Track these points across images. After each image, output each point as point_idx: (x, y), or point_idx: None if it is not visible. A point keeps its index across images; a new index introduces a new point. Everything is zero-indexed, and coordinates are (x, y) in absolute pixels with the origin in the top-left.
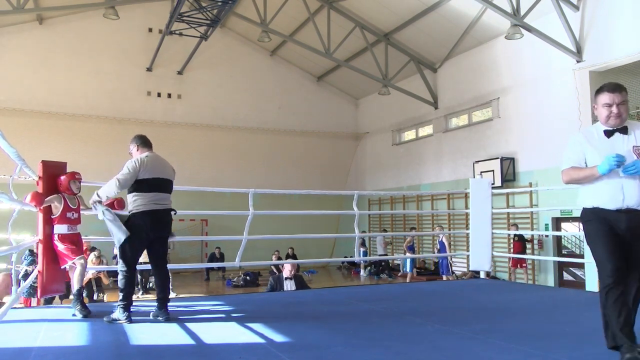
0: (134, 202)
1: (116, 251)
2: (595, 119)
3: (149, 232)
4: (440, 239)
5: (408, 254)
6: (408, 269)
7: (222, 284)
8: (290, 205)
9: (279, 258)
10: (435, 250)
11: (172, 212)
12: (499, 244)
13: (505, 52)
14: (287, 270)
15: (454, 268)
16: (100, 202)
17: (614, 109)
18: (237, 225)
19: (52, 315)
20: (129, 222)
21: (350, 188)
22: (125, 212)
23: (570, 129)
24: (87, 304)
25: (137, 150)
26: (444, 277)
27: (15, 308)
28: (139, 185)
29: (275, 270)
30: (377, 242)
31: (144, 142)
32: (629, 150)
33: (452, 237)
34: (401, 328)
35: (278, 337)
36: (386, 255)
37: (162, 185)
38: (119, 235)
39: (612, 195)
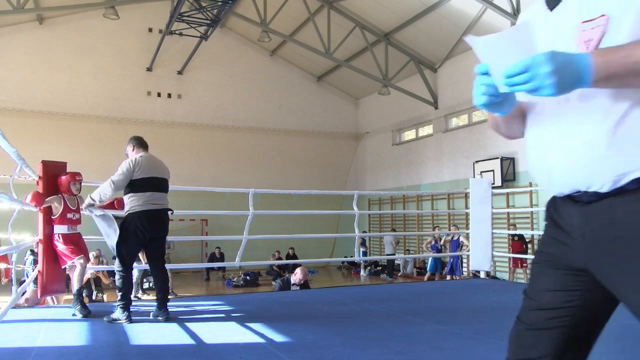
0: (130, 203)
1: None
2: None
3: (145, 232)
4: (456, 238)
5: (431, 254)
6: (428, 269)
7: (222, 284)
8: (290, 205)
9: (279, 258)
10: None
11: (169, 212)
12: (499, 244)
13: None
14: (297, 277)
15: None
16: (93, 205)
17: None
18: (237, 225)
19: (52, 315)
20: (126, 222)
21: (350, 188)
22: (122, 212)
23: None
24: (87, 304)
25: (133, 150)
26: (448, 277)
27: (17, 308)
28: (134, 185)
29: (277, 270)
30: (385, 241)
31: (140, 143)
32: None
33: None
34: (401, 328)
35: (278, 337)
36: (394, 254)
37: (158, 184)
38: (110, 240)
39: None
